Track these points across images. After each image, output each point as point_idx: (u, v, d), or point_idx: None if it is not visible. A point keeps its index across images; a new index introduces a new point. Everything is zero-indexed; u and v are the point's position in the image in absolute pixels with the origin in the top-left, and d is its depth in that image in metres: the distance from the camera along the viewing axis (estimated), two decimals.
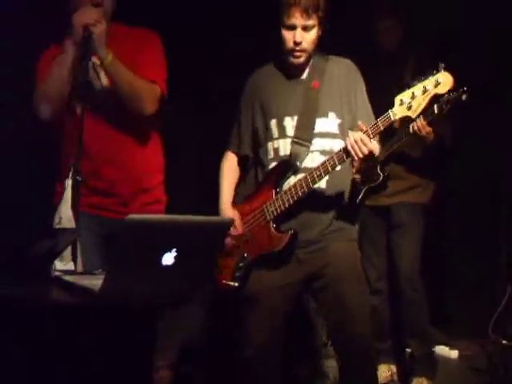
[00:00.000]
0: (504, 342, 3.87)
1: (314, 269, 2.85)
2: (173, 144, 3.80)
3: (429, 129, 3.57)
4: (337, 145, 2.79)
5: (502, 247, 4.65)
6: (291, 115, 2.85)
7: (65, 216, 2.70)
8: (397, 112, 2.61)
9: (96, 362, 2.06)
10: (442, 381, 3.90)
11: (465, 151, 4.58)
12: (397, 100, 2.62)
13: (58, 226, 2.67)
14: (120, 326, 2.12)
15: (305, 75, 2.88)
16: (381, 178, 3.75)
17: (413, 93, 2.58)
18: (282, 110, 2.87)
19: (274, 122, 2.87)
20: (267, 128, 2.89)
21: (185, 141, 4.75)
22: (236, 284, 2.79)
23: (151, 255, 1.98)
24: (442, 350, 4.37)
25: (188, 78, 4.12)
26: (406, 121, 3.63)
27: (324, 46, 2.90)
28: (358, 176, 3.79)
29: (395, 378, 3.95)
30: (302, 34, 2.75)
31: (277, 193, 2.80)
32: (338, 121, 2.83)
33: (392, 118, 2.62)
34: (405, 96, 2.60)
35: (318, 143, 2.82)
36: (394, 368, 3.96)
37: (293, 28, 2.74)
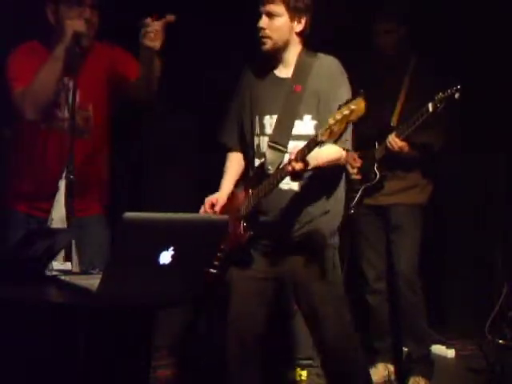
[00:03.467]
0: (500, 341, 3.88)
1: (284, 270, 2.92)
2: (172, 144, 3.84)
3: (401, 144, 3.63)
4: None
5: (498, 247, 4.66)
6: (271, 114, 2.88)
7: (57, 217, 2.72)
8: (322, 133, 2.56)
9: (94, 362, 2.06)
10: (439, 380, 3.90)
11: (464, 151, 4.59)
12: (325, 122, 2.57)
13: (50, 226, 2.69)
14: (117, 325, 2.11)
15: (290, 73, 2.88)
16: (378, 177, 3.77)
17: (335, 116, 2.52)
18: (264, 108, 2.90)
19: (256, 119, 2.92)
20: (252, 124, 2.94)
21: (183, 141, 4.75)
22: (214, 271, 2.84)
23: (148, 254, 1.98)
24: (438, 349, 4.37)
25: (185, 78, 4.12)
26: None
27: (312, 44, 2.91)
28: (356, 176, 3.81)
29: (392, 377, 3.96)
30: (266, 20, 2.77)
31: (252, 192, 2.87)
32: (314, 122, 2.82)
33: (319, 139, 2.58)
34: (330, 120, 2.54)
35: (292, 145, 2.80)
36: (391, 367, 3.96)
37: (261, 15, 2.79)
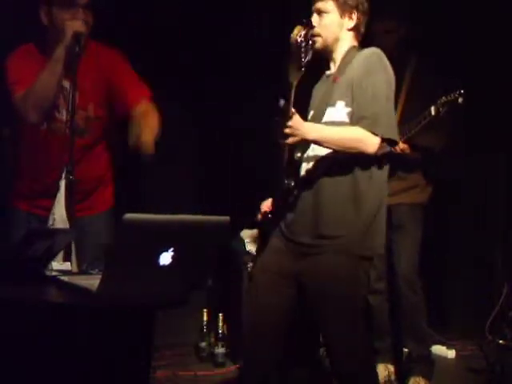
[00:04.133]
0: (501, 341, 3.87)
1: (302, 271, 2.71)
2: (171, 145, 3.81)
3: (402, 146, 3.62)
4: None
5: (498, 247, 4.66)
6: (313, 108, 2.87)
7: (58, 217, 2.72)
8: None
9: (94, 362, 2.06)
10: (439, 381, 3.90)
11: (464, 151, 4.59)
12: None
13: (52, 227, 2.69)
14: (117, 325, 2.11)
15: (334, 69, 2.84)
16: None
17: None
18: (311, 104, 2.91)
19: (310, 115, 2.87)
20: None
21: (183, 141, 4.75)
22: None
23: (148, 255, 1.98)
24: (439, 349, 4.37)
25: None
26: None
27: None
28: None
29: (393, 377, 3.96)
30: (316, 18, 2.74)
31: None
32: (347, 109, 2.69)
33: None
34: None
35: None
36: (391, 368, 3.96)
37: (313, 13, 2.77)
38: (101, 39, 3.12)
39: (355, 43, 2.82)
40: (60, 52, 2.85)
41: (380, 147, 2.64)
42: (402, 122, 3.69)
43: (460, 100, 3.44)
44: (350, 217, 2.66)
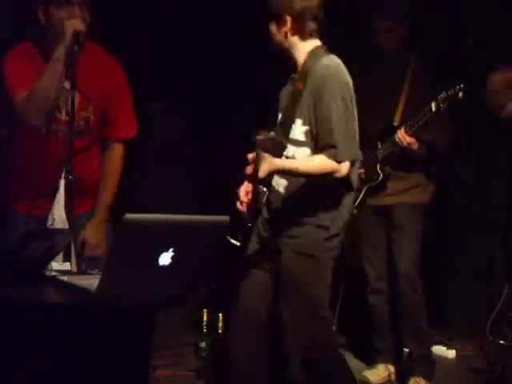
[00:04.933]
0: (501, 342, 3.86)
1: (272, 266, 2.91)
2: (172, 144, 3.83)
3: (410, 140, 3.60)
4: (300, 152, 2.81)
5: (498, 247, 4.65)
6: (281, 113, 2.93)
7: (58, 217, 2.72)
8: None
9: (94, 362, 2.06)
10: (440, 381, 3.90)
11: (464, 151, 4.58)
12: None
13: (51, 227, 2.69)
14: (117, 325, 2.11)
15: (297, 73, 2.88)
16: (380, 177, 3.76)
17: None
18: (279, 106, 2.96)
19: (278, 119, 2.95)
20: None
21: (183, 142, 4.75)
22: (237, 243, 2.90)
23: (148, 255, 1.97)
24: (439, 349, 4.36)
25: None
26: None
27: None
28: (361, 170, 3.80)
29: (393, 377, 3.95)
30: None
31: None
32: (304, 128, 2.80)
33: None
34: None
35: (290, 150, 2.84)
36: (391, 368, 3.95)
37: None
38: (100, 39, 3.12)
39: (313, 43, 2.85)
40: (60, 52, 2.84)
41: (347, 168, 2.75)
42: (403, 122, 3.68)
43: (460, 95, 3.44)
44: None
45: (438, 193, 3.98)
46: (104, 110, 3.10)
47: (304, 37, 2.83)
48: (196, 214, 2.11)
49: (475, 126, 4.46)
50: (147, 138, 4.68)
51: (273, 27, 2.83)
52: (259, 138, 2.73)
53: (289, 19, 2.79)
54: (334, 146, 2.70)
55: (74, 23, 2.84)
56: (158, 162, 4.68)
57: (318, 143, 2.77)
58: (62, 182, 2.72)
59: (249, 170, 2.73)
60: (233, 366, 2.99)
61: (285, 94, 2.95)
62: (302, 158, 2.80)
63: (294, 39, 2.84)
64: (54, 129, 2.98)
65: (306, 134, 2.80)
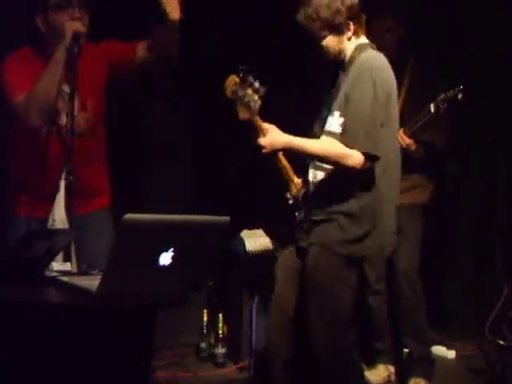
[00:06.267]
0: (501, 342, 3.87)
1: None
2: (172, 145, 3.82)
3: (409, 141, 3.60)
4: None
5: (498, 247, 4.66)
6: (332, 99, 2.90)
7: (58, 217, 2.72)
8: None
9: (94, 363, 2.06)
10: (440, 381, 3.90)
11: (464, 151, 4.59)
12: None
13: (51, 228, 2.69)
14: (118, 326, 2.11)
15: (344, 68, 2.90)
16: None
17: None
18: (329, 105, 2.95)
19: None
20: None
21: (183, 142, 4.75)
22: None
23: (148, 255, 1.98)
24: (439, 350, 4.36)
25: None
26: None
27: None
28: None
29: (393, 378, 3.95)
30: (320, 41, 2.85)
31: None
32: (341, 120, 2.77)
33: None
34: None
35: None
36: (391, 368, 3.95)
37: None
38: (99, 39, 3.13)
39: (360, 41, 2.87)
40: (60, 53, 2.84)
41: (363, 163, 2.71)
42: (402, 123, 3.68)
43: (460, 96, 3.43)
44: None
45: (438, 193, 3.98)
46: (100, 94, 3.11)
47: (359, 34, 2.86)
48: (196, 214, 2.11)
49: (475, 126, 4.47)
50: (147, 138, 4.70)
51: (330, 41, 2.81)
52: None
53: (351, 23, 2.81)
54: (352, 135, 2.70)
55: (74, 25, 2.85)
56: (158, 162, 4.69)
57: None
58: (63, 183, 2.72)
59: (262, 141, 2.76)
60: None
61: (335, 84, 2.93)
62: (312, 140, 2.79)
63: (352, 40, 2.85)
64: (55, 130, 2.98)
65: (342, 125, 2.76)
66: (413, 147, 3.64)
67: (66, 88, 2.90)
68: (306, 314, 2.82)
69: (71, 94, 2.79)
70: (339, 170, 2.75)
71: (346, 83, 2.80)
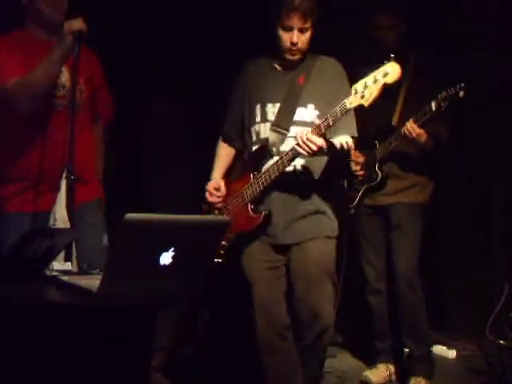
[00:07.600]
0: (501, 342, 3.87)
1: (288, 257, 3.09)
2: (172, 144, 3.81)
3: (419, 131, 3.57)
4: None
5: (498, 248, 4.66)
6: (273, 102, 3.06)
7: (59, 217, 2.71)
8: (352, 101, 2.73)
9: (93, 363, 2.06)
10: (440, 381, 3.90)
11: (464, 151, 4.58)
12: (352, 89, 2.73)
13: (53, 227, 2.68)
14: (118, 325, 2.11)
15: (294, 70, 3.07)
16: (379, 176, 3.76)
17: (365, 82, 2.70)
18: (266, 97, 3.09)
19: (258, 107, 3.10)
20: (251, 113, 3.11)
21: (183, 142, 4.75)
22: (219, 260, 3.02)
23: (149, 255, 1.98)
24: (439, 349, 4.37)
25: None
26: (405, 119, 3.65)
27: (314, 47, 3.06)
28: (360, 172, 3.80)
29: (393, 377, 3.96)
30: (299, 35, 2.96)
31: (254, 176, 3.03)
32: (317, 112, 3.02)
33: (348, 107, 2.75)
34: (358, 85, 2.71)
35: (293, 130, 2.99)
36: (392, 368, 3.96)
37: (290, 29, 2.96)
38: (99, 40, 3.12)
39: None
40: (58, 54, 2.82)
41: None
42: (402, 121, 3.68)
43: (461, 94, 3.43)
44: None
45: (438, 192, 3.98)
46: (91, 81, 3.12)
47: None
48: (196, 214, 2.12)
49: (475, 125, 4.46)
50: (147, 138, 4.70)
51: (308, 34, 2.98)
52: None
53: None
54: (352, 128, 3.08)
55: (77, 24, 2.82)
56: (158, 162, 4.68)
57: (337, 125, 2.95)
58: (64, 182, 2.71)
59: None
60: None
61: (268, 81, 3.09)
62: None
63: None
64: (54, 108, 2.97)
65: (318, 117, 2.99)
66: (423, 137, 3.61)
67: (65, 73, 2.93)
68: (307, 296, 3.03)
69: (72, 93, 2.79)
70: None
71: (320, 80, 3.01)
